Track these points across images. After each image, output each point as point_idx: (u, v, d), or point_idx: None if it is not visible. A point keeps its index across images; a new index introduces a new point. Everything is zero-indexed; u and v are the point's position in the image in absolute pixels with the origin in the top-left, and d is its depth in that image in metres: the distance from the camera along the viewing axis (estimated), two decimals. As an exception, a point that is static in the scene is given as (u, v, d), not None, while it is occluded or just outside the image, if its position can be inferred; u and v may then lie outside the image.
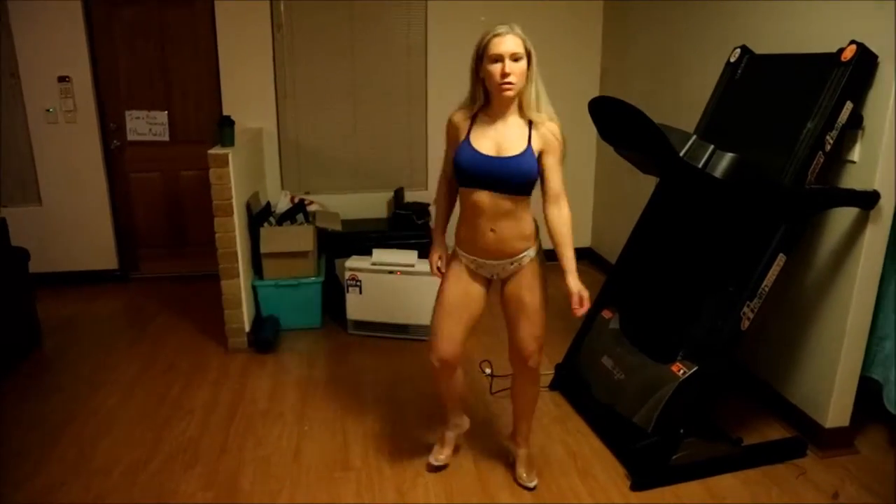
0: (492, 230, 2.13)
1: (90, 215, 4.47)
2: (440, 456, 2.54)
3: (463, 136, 2.13)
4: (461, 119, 2.16)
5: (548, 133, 2.07)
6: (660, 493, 2.41)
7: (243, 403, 3.02)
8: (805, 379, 2.74)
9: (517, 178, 2.06)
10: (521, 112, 2.08)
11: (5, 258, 3.41)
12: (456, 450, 2.62)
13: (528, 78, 2.02)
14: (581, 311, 2.15)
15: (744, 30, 3.07)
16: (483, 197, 2.10)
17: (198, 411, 2.95)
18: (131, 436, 2.76)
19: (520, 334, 2.27)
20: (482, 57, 2.01)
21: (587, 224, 5.08)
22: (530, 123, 2.07)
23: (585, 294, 2.13)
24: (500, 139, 2.08)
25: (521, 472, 2.46)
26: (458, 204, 2.28)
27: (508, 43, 1.97)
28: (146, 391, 3.13)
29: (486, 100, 2.09)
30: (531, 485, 2.42)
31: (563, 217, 2.16)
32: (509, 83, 1.98)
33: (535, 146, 2.07)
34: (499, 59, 1.97)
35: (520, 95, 2.04)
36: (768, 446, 2.64)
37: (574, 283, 2.14)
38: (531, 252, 2.20)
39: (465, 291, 2.27)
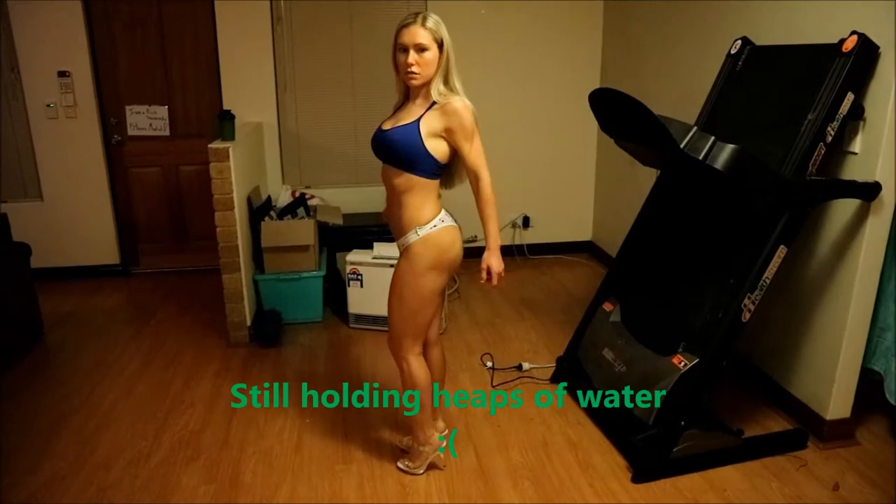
0: (388, 201, 2.26)
1: (91, 210, 4.47)
2: (404, 439, 2.64)
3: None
4: (392, 108, 2.26)
5: (448, 110, 2.07)
6: (661, 484, 2.42)
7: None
8: (806, 371, 2.74)
9: (389, 146, 2.12)
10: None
11: (7, 253, 3.42)
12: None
13: (438, 65, 2.06)
14: (487, 282, 2.22)
15: (745, 21, 3.06)
16: (384, 169, 2.20)
17: (199, 405, 2.96)
18: (133, 429, 2.77)
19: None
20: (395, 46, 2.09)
21: (588, 217, 5.08)
22: (433, 104, 2.10)
23: (496, 269, 2.19)
24: (400, 117, 2.15)
25: (403, 460, 2.52)
26: None
27: (414, 34, 2.02)
28: (148, 385, 3.14)
29: (406, 86, 2.17)
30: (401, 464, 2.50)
31: (481, 192, 2.16)
32: (412, 73, 2.05)
33: (431, 124, 2.08)
34: (405, 49, 2.04)
35: (429, 81, 2.09)
36: (769, 438, 2.65)
37: (486, 257, 2.19)
38: (409, 239, 2.19)
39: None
